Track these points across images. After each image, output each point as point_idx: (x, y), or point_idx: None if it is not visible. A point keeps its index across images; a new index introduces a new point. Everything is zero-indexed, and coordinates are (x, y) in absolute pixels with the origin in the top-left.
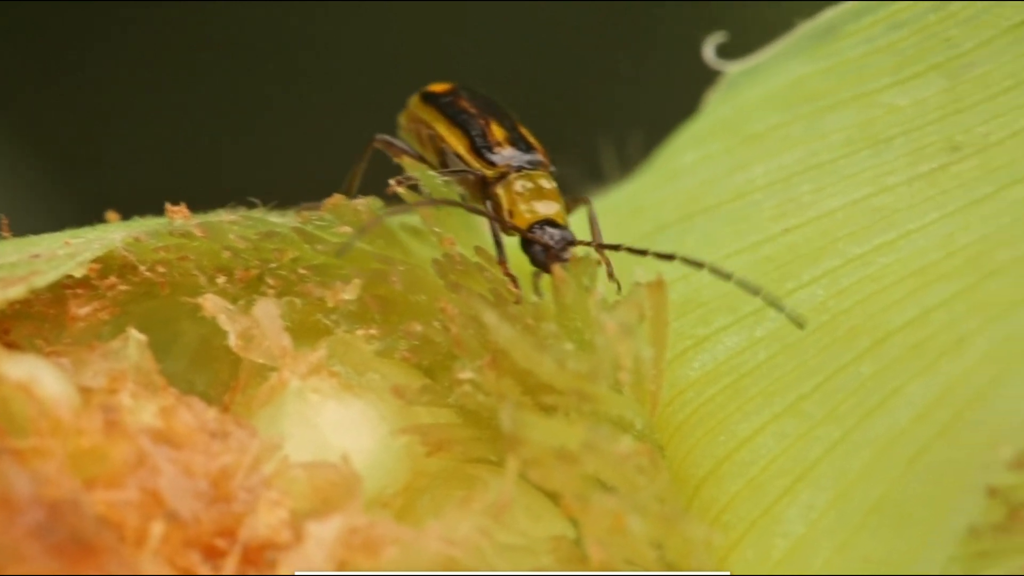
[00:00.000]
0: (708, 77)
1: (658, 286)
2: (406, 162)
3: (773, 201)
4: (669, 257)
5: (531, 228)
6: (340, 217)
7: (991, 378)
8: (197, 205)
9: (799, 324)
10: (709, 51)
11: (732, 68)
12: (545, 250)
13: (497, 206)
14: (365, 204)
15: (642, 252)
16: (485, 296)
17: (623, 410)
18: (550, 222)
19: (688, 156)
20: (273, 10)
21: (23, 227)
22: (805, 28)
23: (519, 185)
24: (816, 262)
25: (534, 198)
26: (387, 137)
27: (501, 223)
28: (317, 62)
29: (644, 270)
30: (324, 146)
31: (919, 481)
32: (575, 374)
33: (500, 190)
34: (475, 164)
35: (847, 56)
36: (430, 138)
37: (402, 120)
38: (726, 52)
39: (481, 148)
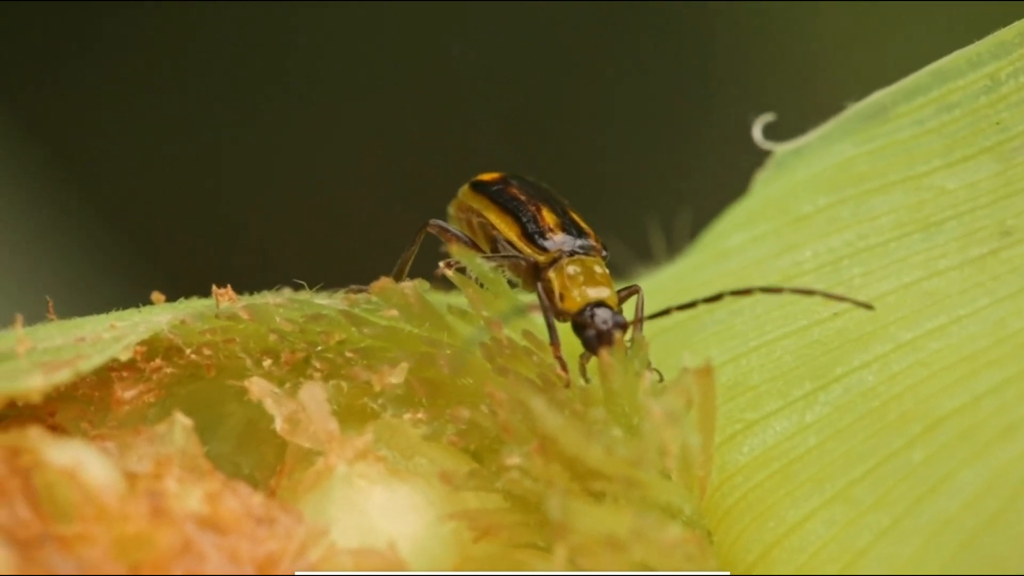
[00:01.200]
0: (757, 158)
1: (706, 371)
2: (453, 247)
3: (822, 284)
4: (717, 298)
5: (582, 311)
6: (387, 300)
7: None
8: (243, 286)
9: (868, 307)
10: (758, 131)
11: (781, 148)
12: (597, 334)
13: (549, 290)
14: (412, 287)
15: (691, 305)
16: (533, 381)
17: (671, 496)
18: (601, 304)
19: (736, 237)
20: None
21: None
22: (854, 109)
23: (571, 269)
24: (866, 347)
25: (586, 282)
26: (440, 222)
27: (553, 307)
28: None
29: (692, 355)
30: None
31: (970, 568)
32: (623, 461)
33: (552, 274)
34: (527, 250)
35: (897, 138)
36: (481, 226)
37: (452, 209)
38: (775, 133)
39: (533, 234)
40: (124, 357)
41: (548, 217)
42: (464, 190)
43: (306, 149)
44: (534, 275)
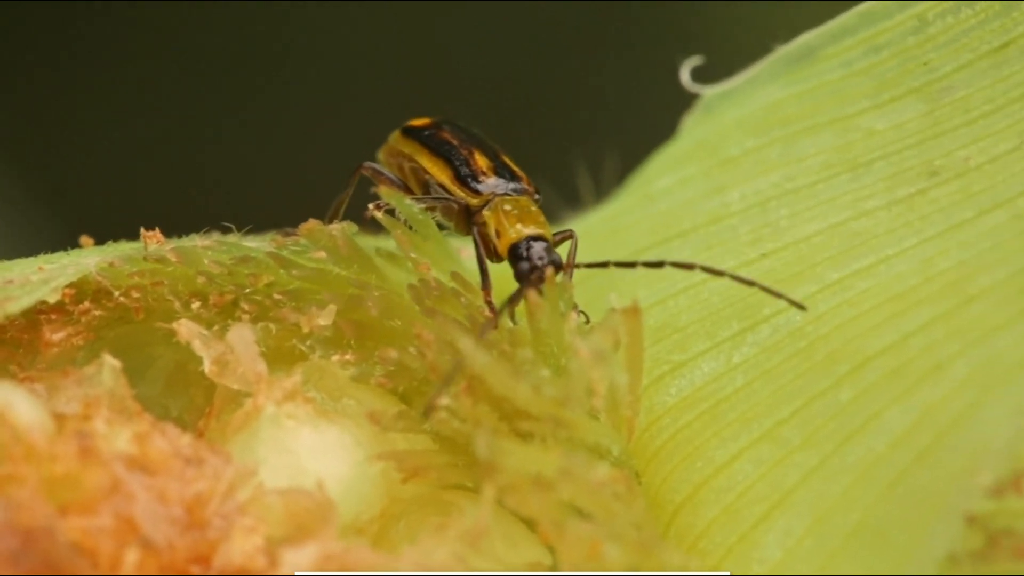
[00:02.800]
0: (684, 100)
1: (633, 312)
2: (383, 189)
3: (750, 225)
4: (659, 264)
5: (518, 245)
6: (315, 242)
7: (970, 403)
8: (172, 225)
9: (801, 307)
10: (685, 74)
11: (709, 91)
12: (531, 267)
13: (483, 231)
14: (340, 229)
15: (631, 265)
16: (461, 322)
17: (599, 437)
18: (539, 239)
19: (664, 180)
20: (256, 17)
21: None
22: (782, 52)
23: (507, 207)
24: (794, 287)
25: (522, 218)
26: (374, 165)
27: (487, 247)
28: (298, 76)
29: (618, 296)
30: (301, 164)
31: (898, 507)
32: (551, 400)
33: (487, 213)
34: (460, 193)
35: (825, 80)
36: (413, 171)
37: (382, 155)
38: (702, 75)
39: (466, 177)
40: (52, 299)
41: (480, 160)
42: (395, 136)
43: (283, 167)
44: (466, 218)
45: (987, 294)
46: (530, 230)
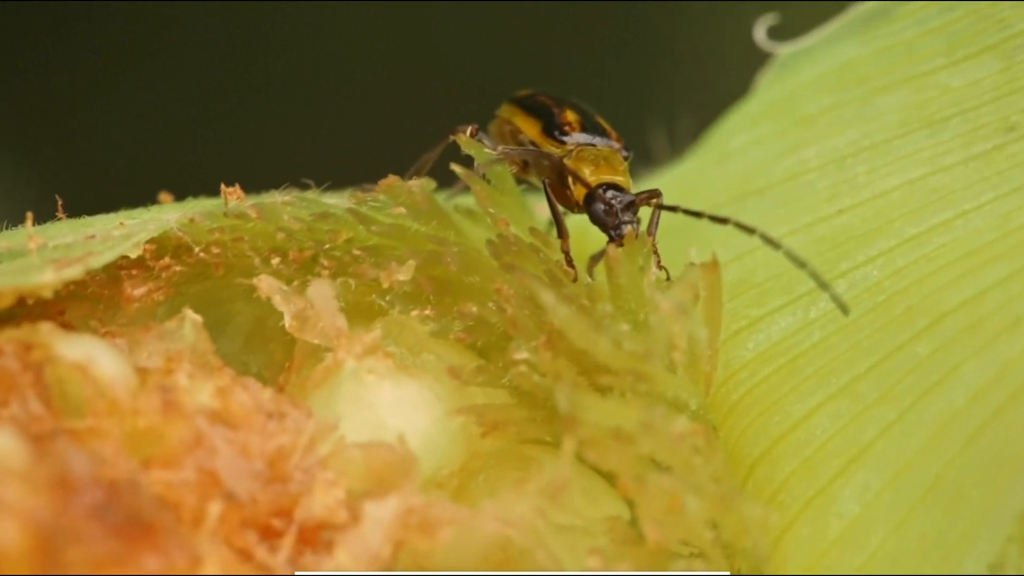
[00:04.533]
0: (759, 59)
1: (712, 266)
2: (461, 137)
3: (826, 182)
4: (723, 221)
5: (596, 189)
6: (394, 198)
7: None
8: (247, 184)
9: (844, 309)
10: (761, 33)
11: (784, 50)
12: (608, 211)
13: (564, 179)
14: (418, 185)
15: (697, 214)
16: (540, 277)
17: (678, 390)
18: (615, 186)
19: (739, 138)
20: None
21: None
22: (857, 10)
23: (588, 153)
24: (871, 243)
25: (601, 165)
26: (473, 127)
27: (565, 196)
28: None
29: (698, 251)
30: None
31: (976, 461)
32: (630, 354)
33: (569, 161)
34: (546, 146)
35: (900, 38)
36: (511, 134)
37: (492, 128)
38: (778, 34)
39: (552, 129)
40: (133, 255)
41: (570, 116)
42: (503, 107)
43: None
44: (557, 172)
45: None
46: (608, 176)
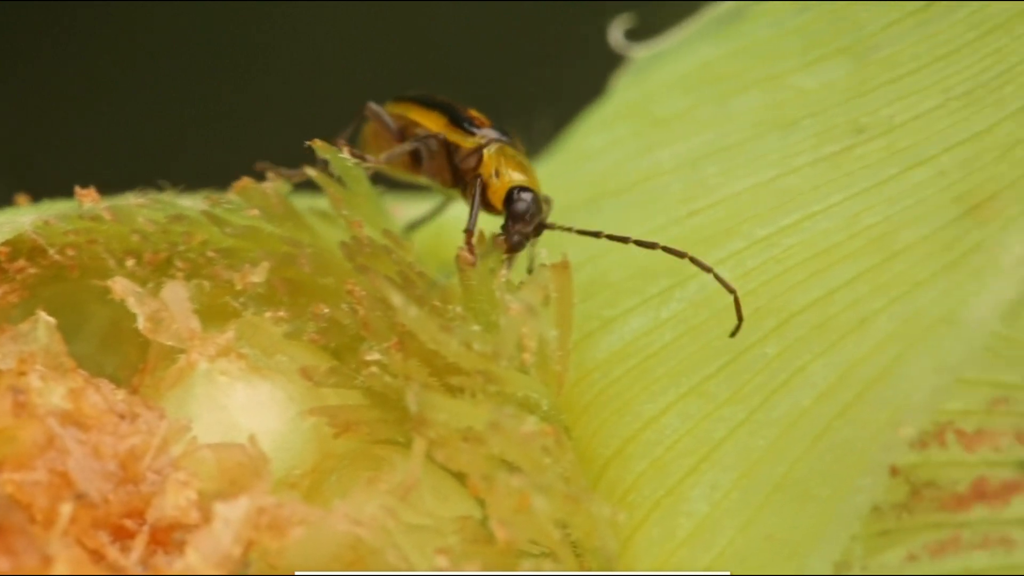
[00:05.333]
0: (614, 61)
1: (562, 267)
2: (316, 142)
3: (680, 184)
4: (652, 246)
5: (515, 191)
6: (248, 200)
7: (893, 358)
8: (106, 186)
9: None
10: (616, 34)
11: (639, 52)
12: (525, 215)
13: (477, 171)
14: (273, 187)
15: (624, 240)
16: (392, 278)
17: (528, 391)
18: (532, 191)
19: (595, 139)
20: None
21: None
22: (712, 11)
23: (510, 152)
24: (722, 244)
25: (522, 168)
26: (375, 106)
27: (447, 179)
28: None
29: (549, 252)
30: (235, 130)
31: (822, 460)
32: (481, 355)
33: (489, 154)
34: (454, 137)
35: (754, 38)
36: (402, 129)
37: (368, 131)
38: (632, 36)
39: (460, 121)
40: None
41: (473, 112)
42: (387, 103)
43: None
44: (449, 162)
45: (911, 250)
46: (528, 180)
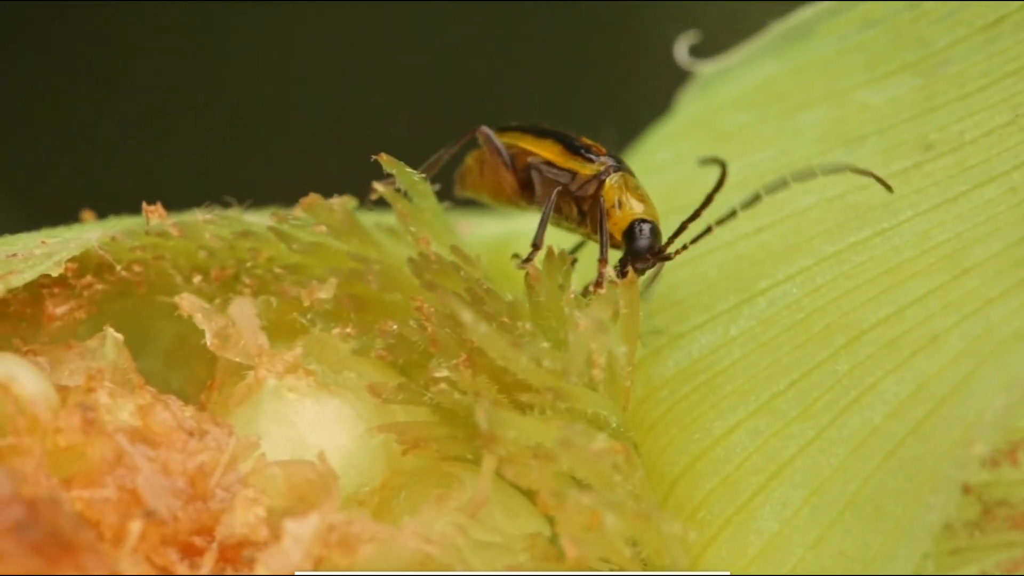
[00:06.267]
0: (680, 77)
1: (630, 284)
2: (384, 157)
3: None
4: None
5: (638, 223)
6: (315, 216)
7: (965, 375)
8: (177, 206)
9: (888, 187)
10: (681, 51)
11: (704, 68)
12: (648, 249)
13: (597, 198)
14: (340, 203)
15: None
16: (460, 295)
17: (598, 407)
18: (646, 221)
19: (661, 155)
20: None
21: None
22: (778, 28)
23: (632, 183)
24: (790, 260)
25: (643, 199)
26: (488, 130)
27: (597, 220)
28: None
29: (606, 270)
30: (301, 150)
31: (894, 478)
32: (550, 372)
33: (611, 184)
34: (571, 165)
35: (819, 55)
36: (512, 157)
37: (471, 161)
38: (698, 52)
39: (579, 148)
40: (55, 273)
41: (586, 139)
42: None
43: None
44: (568, 193)
45: (981, 267)
46: (650, 213)
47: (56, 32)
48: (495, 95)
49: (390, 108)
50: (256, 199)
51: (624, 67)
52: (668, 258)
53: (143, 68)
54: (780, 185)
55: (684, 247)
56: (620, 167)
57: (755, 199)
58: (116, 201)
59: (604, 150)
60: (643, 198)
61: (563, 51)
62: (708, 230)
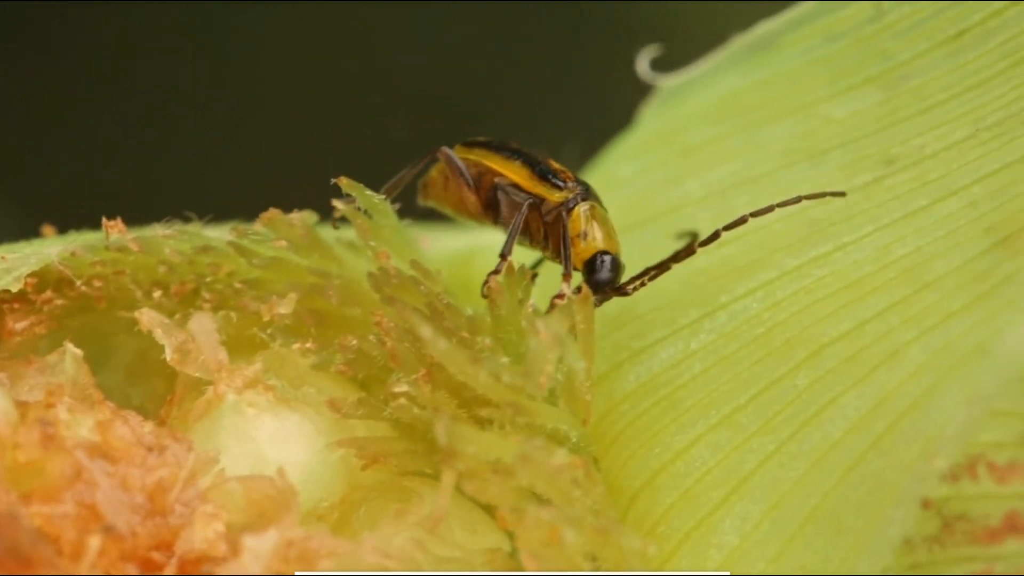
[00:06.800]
0: (642, 90)
1: (585, 299)
2: (343, 179)
3: (709, 214)
4: (663, 267)
5: (600, 255)
6: (275, 231)
7: (925, 390)
8: (135, 220)
9: (841, 194)
10: (643, 64)
11: (667, 81)
12: (609, 280)
13: (564, 226)
14: (300, 218)
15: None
16: (420, 310)
17: (558, 422)
18: (614, 256)
19: (623, 169)
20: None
21: None
22: (741, 40)
23: (600, 213)
24: (751, 274)
25: (611, 232)
26: (448, 150)
27: (560, 245)
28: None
29: (570, 285)
30: (264, 162)
31: (854, 492)
32: (510, 387)
33: (580, 211)
34: (538, 190)
35: (784, 68)
36: (478, 176)
37: (435, 173)
38: (660, 65)
39: (546, 173)
40: (15, 288)
41: (555, 164)
42: (456, 148)
43: (243, 165)
44: (538, 216)
45: (942, 281)
46: (613, 246)
47: (56, 32)
48: (495, 95)
49: (390, 108)
50: (256, 199)
51: (586, 80)
52: (626, 294)
53: (143, 68)
54: (739, 223)
55: (642, 283)
56: (588, 195)
57: (714, 237)
58: (116, 201)
59: (572, 176)
60: (609, 232)
61: (525, 64)
62: (666, 266)
